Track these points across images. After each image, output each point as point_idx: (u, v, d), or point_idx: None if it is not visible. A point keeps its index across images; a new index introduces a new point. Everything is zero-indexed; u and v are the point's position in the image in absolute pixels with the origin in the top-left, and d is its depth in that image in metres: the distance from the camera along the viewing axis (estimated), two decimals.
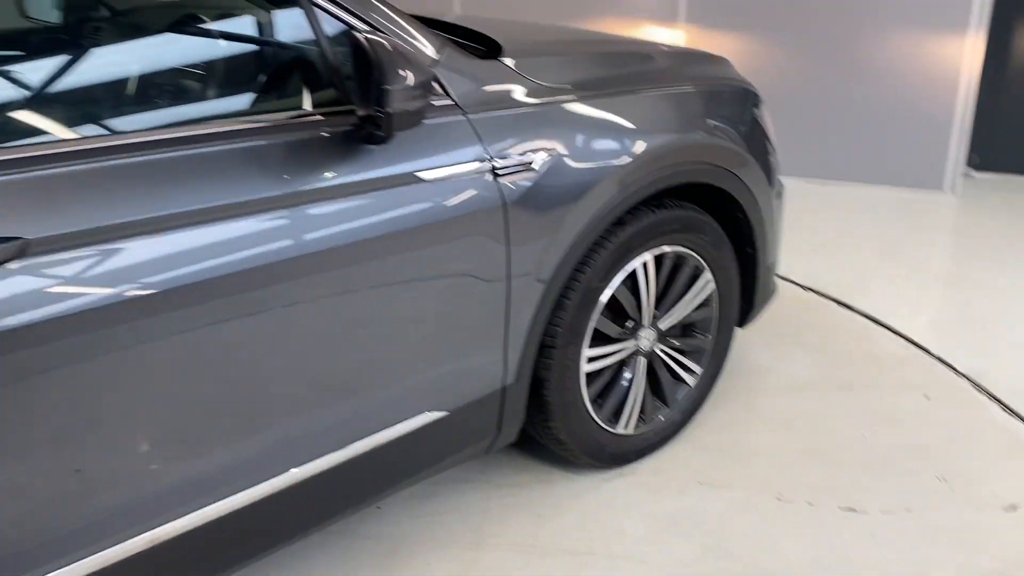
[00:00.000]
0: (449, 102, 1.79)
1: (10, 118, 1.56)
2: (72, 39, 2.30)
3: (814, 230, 4.39)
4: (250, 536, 1.70)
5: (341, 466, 1.76)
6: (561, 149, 1.93)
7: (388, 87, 1.47)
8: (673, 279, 2.38)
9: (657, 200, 2.26)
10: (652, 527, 2.25)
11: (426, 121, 1.71)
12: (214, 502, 1.57)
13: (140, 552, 1.51)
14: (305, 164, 1.58)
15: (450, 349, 1.88)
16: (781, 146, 2.67)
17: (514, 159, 1.86)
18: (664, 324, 2.40)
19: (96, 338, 1.35)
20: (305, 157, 1.58)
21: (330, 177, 1.60)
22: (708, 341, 2.54)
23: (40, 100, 1.62)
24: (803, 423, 2.67)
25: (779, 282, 3.51)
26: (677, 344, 2.48)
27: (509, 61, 2.00)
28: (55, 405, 1.35)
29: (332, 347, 1.67)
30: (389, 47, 1.50)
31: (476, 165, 1.79)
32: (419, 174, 1.72)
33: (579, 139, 1.97)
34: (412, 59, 1.53)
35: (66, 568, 1.40)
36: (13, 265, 1.27)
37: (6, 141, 1.38)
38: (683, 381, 2.54)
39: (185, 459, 1.54)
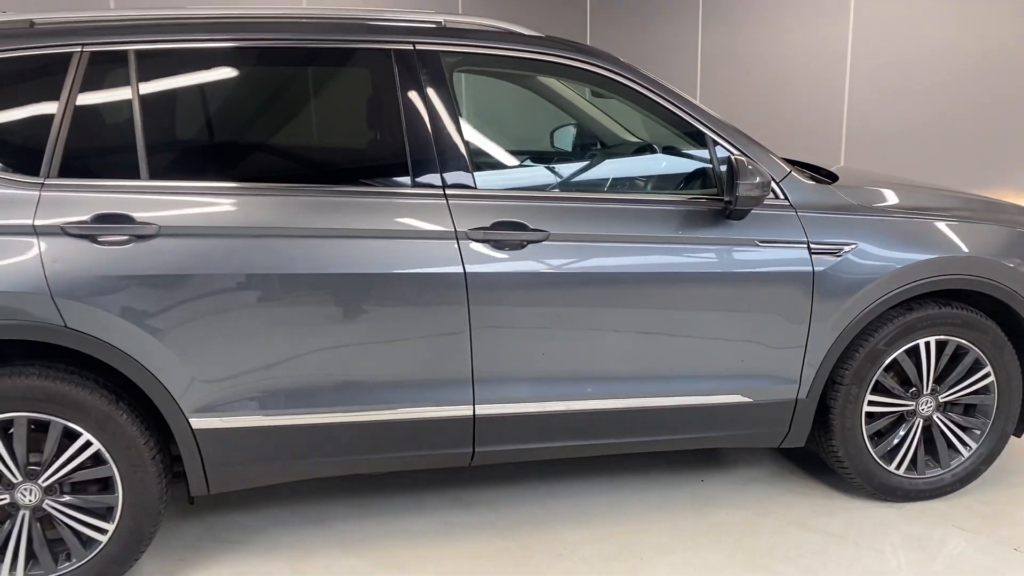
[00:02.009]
0: (786, 203, 2.91)
1: (554, 188, 3.08)
2: (578, 159, 3.87)
3: None
4: (618, 429, 2.92)
5: (683, 407, 2.91)
6: (861, 246, 2.92)
7: (739, 182, 2.67)
8: (955, 363, 3.12)
9: (945, 298, 3.07)
10: (901, 538, 2.98)
11: (768, 212, 2.87)
12: (614, 399, 2.85)
13: (559, 411, 2.82)
14: (691, 223, 2.83)
15: (760, 357, 2.93)
16: None
17: (825, 245, 2.90)
18: (943, 398, 3.14)
19: (571, 287, 2.73)
20: (692, 220, 2.84)
21: (703, 233, 2.83)
22: (985, 424, 3.19)
23: (561, 183, 3.13)
24: None
25: None
26: (956, 419, 3.18)
27: (837, 186, 3.07)
28: (540, 317, 2.73)
29: (688, 330, 2.86)
30: (747, 163, 2.71)
31: (796, 242, 2.88)
32: (758, 241, 2.86)
33: (871, 242, 2.93)
34: (757, 170, 2.72)
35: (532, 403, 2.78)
36: (544, 243, 2.70)
37: (547, 193, 2.86)
38: (957, 451, 3.20)
39: (598, 368, 2.83)
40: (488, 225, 2.70)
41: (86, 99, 2.58)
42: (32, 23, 2.66)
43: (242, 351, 2.61)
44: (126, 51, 2.61)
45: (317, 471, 2.84)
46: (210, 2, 4.41)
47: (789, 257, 2.89)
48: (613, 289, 2.79)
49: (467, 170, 2.74)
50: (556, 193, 2.95)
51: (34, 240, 2.45)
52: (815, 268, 2.89)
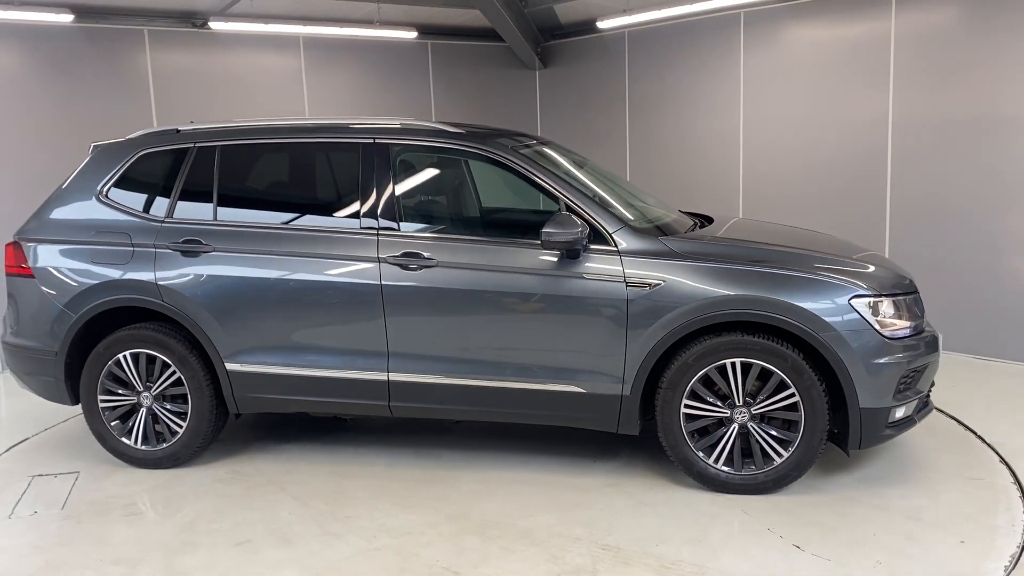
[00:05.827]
0: (613, 248, 3.99)
1: (450, 232, 4.49)
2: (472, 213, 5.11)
3: None
4: (484, 401, 4.16)
5: (529, 390, 4.09)
6: (666, 282, 3.89)
7: (543, 229, 3.86)
8: (765, 383, 3.89)
9: (752, 329, 3.89)
10: (692, 512, 3.84)
11: (598, 254, 3.98)
12: (480, 378, 4.12)
13: (460, 384, 4.14)
14: (538, 260, 4.04)
15: (588, 358, 4.00)
16: None
17: (638, 279, 3.92)
18: (756, 410, 3.92)
19: (450, 299, 4.09)
20: (539, 258, 4.04)
21: (545, 266, 4.02)
22: (795, 437, 3.89)
23: (456, 228, 4.53)
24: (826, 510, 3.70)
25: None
26: (771, 431, 3.92)
27: (670, 237, 4.07)
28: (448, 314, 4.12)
29: (532, 332, 4.04)
30: (566, 215, 3.89)
31: (616, 277, 3.94)
32: (585, 274, 3.98)
33: (677, 281, 3.88)
34: (571, 222, 3.87)
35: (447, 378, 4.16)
36: (433, 268, 4.09)
37: (441, 235, 4.27)
38: (771, 457, 3.93)
39: (469, 355, 4.12)
40: (399, 254, 4.16)
41: (192, 173, 4.52)
42: (178, 131, 4.68)
43: (252, 324, 4.32)
44: (215, 147, 4.52)
45: (296, 408, 4.45)
46: (259, 116, 6.85)
47: (610, 287, 3.96)
48: (479, 300, 4.07)
49: (395, 219, 4.23)
50: (447, 235, 4.30)
51: (153, 251, 4.40)
52: (628, 297, 3.93)
